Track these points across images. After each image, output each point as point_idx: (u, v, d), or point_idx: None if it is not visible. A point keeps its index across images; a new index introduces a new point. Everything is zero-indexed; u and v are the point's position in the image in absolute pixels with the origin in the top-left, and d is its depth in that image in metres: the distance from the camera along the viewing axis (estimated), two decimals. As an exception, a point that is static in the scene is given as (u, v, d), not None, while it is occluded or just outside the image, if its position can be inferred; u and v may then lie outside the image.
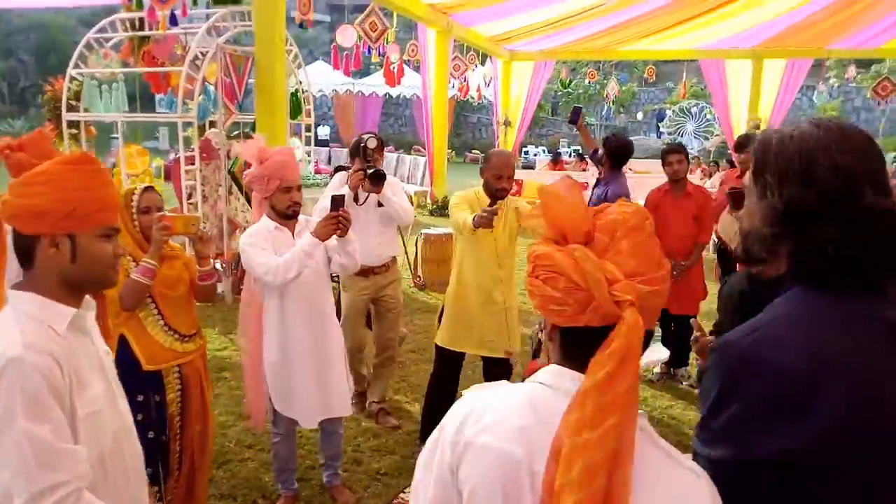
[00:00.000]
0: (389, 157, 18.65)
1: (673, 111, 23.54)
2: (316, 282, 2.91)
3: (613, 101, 28.40)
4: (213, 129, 6.26)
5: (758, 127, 13.71)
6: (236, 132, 6.51)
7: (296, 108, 6.68)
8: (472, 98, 17.01)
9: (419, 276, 7.19)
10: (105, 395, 1.47)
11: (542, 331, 1.26)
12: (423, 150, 14.85)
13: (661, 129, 24.27)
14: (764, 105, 13.63)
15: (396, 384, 4.62)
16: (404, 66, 10.12)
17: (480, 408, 1.05)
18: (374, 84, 19.75)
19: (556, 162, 14.17)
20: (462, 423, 1.05)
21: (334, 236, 2.81)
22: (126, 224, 2.48)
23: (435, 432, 1.12)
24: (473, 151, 23.46)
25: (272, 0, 5.72)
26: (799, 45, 12.77)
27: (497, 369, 3.52)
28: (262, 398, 3.08)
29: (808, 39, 12.47)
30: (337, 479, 3.24)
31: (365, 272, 3.74)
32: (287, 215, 2.84)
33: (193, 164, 5.87)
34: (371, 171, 3.42)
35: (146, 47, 6.13)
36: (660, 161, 4.89)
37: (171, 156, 8.89)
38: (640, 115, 26.63)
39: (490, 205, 3.24)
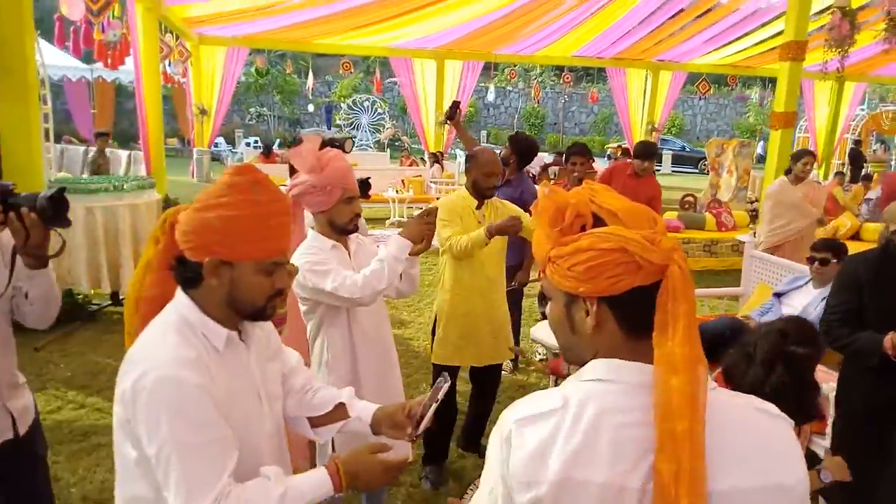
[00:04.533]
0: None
1: (347, 105, 24.59)
2: (379, 309, 2.52)
3: (280, 93, 28.40)
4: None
5: (446, 122, 15.28)
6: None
7: (29, 93, 5.31)
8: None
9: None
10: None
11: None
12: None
13: (339, 122, 25.10)
14: (447, 101, 15.19)
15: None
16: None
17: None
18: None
19: (268, 155, 13.66)
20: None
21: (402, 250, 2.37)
22: None
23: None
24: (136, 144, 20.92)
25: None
26: (473, 49, 14.59)
27: (487, 376, 3.52)
28: (304, 453, 2.58)
29: (481, 45, 14.36)
30: None
31: None
32: (347, 230, 2.40)
33: None
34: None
35: None
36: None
37: None
38: (310, 108, 27.01)
39: (478, 206, 3.21)
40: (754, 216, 8.50)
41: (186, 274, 1.37)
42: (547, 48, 14.64)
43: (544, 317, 5.09)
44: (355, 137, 24.41)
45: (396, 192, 11.56)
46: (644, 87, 15.92)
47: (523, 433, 0.98)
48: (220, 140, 21.56)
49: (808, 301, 3.64)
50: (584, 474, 0.94)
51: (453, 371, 3.40)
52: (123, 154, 11.77)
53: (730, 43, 13.48)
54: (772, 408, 1.04)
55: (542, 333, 4.29)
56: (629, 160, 5.81)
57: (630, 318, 1.01)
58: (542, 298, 5.21)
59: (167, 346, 1.31)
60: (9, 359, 2.02)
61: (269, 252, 1.38)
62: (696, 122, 33.36)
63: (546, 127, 32.09)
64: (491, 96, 15.80)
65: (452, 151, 18.62)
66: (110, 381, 4.67)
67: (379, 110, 24.11)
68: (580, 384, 1.02)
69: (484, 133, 30.90)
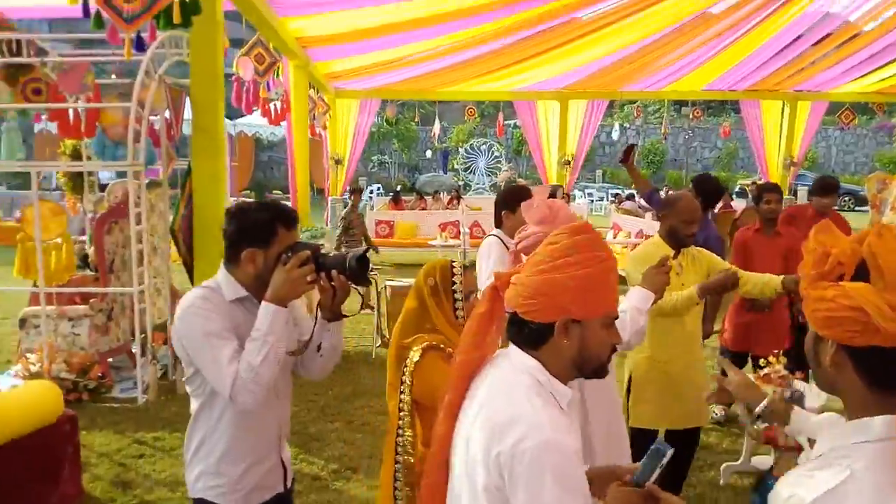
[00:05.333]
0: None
1: (465, 149, 25.21)
2: None
3: (399, 140, 29.56)
4: (119, 179, 5.20)
5: (568, 163, 15.24)
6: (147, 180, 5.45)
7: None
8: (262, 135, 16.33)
9: (385, 335, 6.60)
10: None
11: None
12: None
13: (456, 166, 25.76)
14: (570, 141, 15.16)
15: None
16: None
17: None
18: (255, 124, 17.18)
19: (397, 202, 14.21)
20: None
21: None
22: (447, 312, 2.10)
23: None
24: (275, 192, 22.43)
25: (211, 23, 4.97)
26: (597, 88, 14.52)
27: (687, 439, 3.30)
28: None
29: (606, 84, 14.27)
30: None
31: None
32: None
33: (116, 222, 4.79)
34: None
35: (26, 77, 4.89)
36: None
37: (84, 213, 6.86)
38: (428, 154, 27.85)
39: (675, 255, 3.07)
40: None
41: (531, 335, 1.39)
42: (675, 83, 14.32)
43: (724, 373, 4.72)
44: (472, 181, 24.97)
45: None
46: (780, 118, 15.16)
47: None
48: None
49: None
50: None
51: (652, 434, 3.23)
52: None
53: (879, 69, 12.61)
54: None
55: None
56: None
57: (871, 372, 1.07)
58: (724, 352, 4.91)
59: (536, 408, 1.31)
60: (288, 411, 2.15)
61: (612, 306, 1.41)
62: (831, 155, 31.28)
63: (666, 163, 31.24)
64: (615, 134, 15.72)
65: (571, 193, 18.47)
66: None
67: (495, 153, 24.48)
68: (856, 449, 1.06)
69: (599, 172, 30.54)
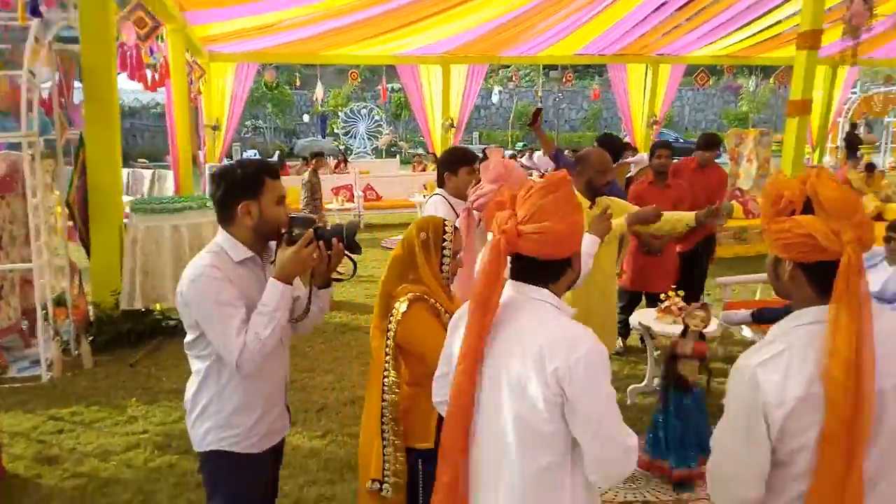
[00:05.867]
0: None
1: (345, 113, 24.83)
2: None
3: (274, 105, 28.55)
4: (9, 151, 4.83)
5: (452, 125, 15.54)
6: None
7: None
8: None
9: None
10: None
11: None
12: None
13: (336, 130, 25.32)
14: (453, 104, 15.47)
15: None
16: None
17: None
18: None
19: (282, 167, 13.91)
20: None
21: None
22: (433, 266, 2.20)
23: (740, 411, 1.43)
24: (140, 160, 20.94)
25: (98, -14, 4.70)
26: (478, 52, 14.86)
27: None
28: None
29: (486, 48, 14.63)
30: None
31: None
32: None
33: (3, 196, 4.46)
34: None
35: None
36: None
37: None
38: (305, 118, 27.15)
39: (591, 206, 3.34)
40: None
41: (555, 271, 1.62)
42: (550, 48, 14.94)
43: (622, 311, 5.18)
44: (353, 146, 24.74)
45: (424, 196, 11.80)
46: (644, 81, 16.25)
47: (766, 371, 1.39)
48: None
49: (885, 277, 3.92)
50: (816, 389, 1.35)
51: None
52: (146, 173, 11.89)
53: (730, 34, 13.85)
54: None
55: (648, 320, 4.51)
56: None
57: (818, 280, 1.41)
58: (623, 294, 5.43)
59: (569, 326, 1.55)
60: (289, 358, 2.28)
61: None
62: (685, 114, 33.89)
63: (537, 125, 32.43)
64: (495, 98, 16.25)
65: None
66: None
67: (376, 117, 24.34)
68: (794, 330, 1.44)
69: (476, 134, 31.22)
